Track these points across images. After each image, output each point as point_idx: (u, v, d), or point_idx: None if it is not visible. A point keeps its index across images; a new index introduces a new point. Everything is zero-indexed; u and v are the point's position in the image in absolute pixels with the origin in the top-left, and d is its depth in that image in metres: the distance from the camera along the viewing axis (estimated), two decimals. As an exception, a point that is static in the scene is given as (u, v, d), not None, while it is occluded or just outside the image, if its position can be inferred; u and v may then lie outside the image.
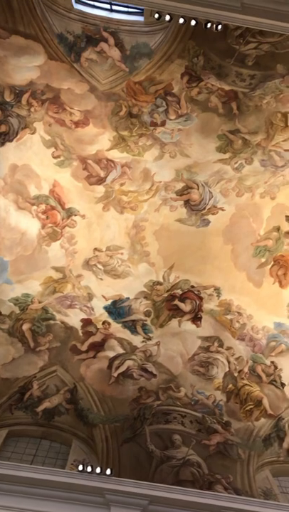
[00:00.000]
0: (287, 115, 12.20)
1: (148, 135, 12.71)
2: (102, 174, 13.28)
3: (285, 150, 12.84)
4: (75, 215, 13.80)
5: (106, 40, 11.51)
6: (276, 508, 10.02)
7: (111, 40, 11.51)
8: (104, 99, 12.45)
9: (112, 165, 13.11)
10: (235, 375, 13.11)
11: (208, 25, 9.71)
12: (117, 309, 13.34)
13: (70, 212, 13.76)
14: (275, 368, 13.47)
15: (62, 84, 12.05)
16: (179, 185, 13.81)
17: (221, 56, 11.41)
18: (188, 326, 13.73)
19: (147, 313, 13.51)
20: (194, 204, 14.01)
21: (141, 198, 13.67)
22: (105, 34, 11.42)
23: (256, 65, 11.40)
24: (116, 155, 13.05)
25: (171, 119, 12.51)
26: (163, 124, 12.59)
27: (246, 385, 12.96)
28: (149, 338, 13.20)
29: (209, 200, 13.97)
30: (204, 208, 14.09)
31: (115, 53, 11.69)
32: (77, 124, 12.65)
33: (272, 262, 14.48)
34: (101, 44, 11.51)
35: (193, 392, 12.61)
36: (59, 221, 13.67)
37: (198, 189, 13.76)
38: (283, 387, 13.25)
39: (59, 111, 12.44)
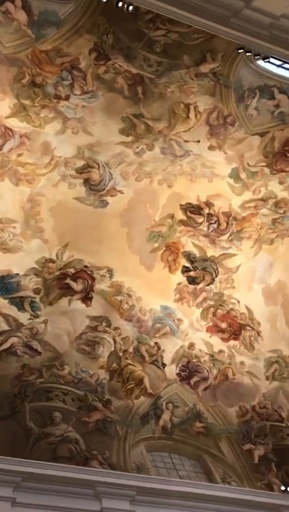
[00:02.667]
0: (190, 107, 12.57)
1: (51, 107, 12.29)
2: (-1, 142, 12.63)
3: (185, 141, 13.26)
4: None
5: (12, 1, 10.84)
6: (147, 481, 10.59)
7: (18, 2, 10.86)
8: (7, 64, 11.74)
9: (11, 133, 12.48)
10: (120, 354, 13.45)
11: (120, 4, 9.62)
12: (4, 285, 12.88)
13: None
14: (158, 348, 14.08)
15: None
16: (80, 163, 13.60)
17: (131, 38, 11.38)
18: (78, 305, 13.72)
19: (37, 291, 13.24)
20: (94, 184, 13.91)
21: (39, 172, 13.24)
22: (12, -6, 10.76)
23: (164, 52, 11.56)
24: (15, 124, 12.45)
25: (75, 94, 12.21)
26: (67, 98, 12.25)
27: (129, 364, 13.37)
28: (37, 316, 12.97)
29: (109, 181, 13.97)
30: (103, 189, 14.05)
31: (22, 16, 11.05)
32: (-26, 85, 11.85)
33: (164, 248, 14.99)
34: (7, 4, 10.81)
35: (78, 371, 12.71)
36: None
37: (98, 169, 13.67)
38: (164, 368, 13.93)
39: None
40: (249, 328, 15.34)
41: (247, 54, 10.63)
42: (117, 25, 11.19)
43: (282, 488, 11.94)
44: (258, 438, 13.36)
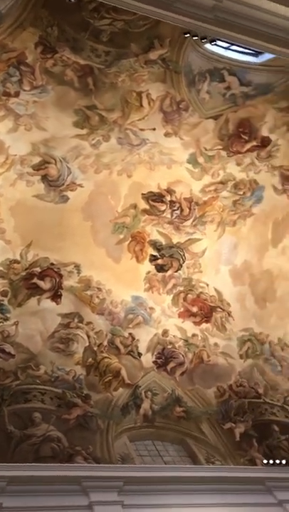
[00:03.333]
0: (142, 95, 12.51)
1: (0, 105, 12.01)
2: None
3: (141, 129, 13.21)
4: None
5: None
6: (132, 470, 10.68)
7: None
8: None
9: None
10: (95, 348, 13.44)
11: (61, -6, 9.44)
12: None
13: None
14: (133, 339, 14.15)
15: None
16: (36, 160, 13.39)
17: (76, 29, 11.18)
18: (47, 303, 13.59)
19: (4, 293, 13.03)
20: (52, 180, 13.73)
21: (-6, 172, 12.98)
22: None
23: (111, 41, 11.41)
24: None
25: (25, 90, 11.95)
26: (17, 94, 11.97)
27: (105, 357, 13.39)
28: (7, 319, 12.77)
29: (67, 176, 13.82)
30: (63, 184, 13.90)
31: None
32: None
33: (129, 239, 15.01)
34: None
35: (53, 369, 12.62)
36: None
37: (55, 164, 13.49)
38: (140, 357, 14.02)
39: None
40: (220, 309, 15.59)
41: (194, 38, 10.62)
42: (61, 17, 10.98)
43: (265, 461, 12.25)
44: (238, 416, 13.63)
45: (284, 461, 12.30)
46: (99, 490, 9.86)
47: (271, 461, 12.26)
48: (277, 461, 12.26)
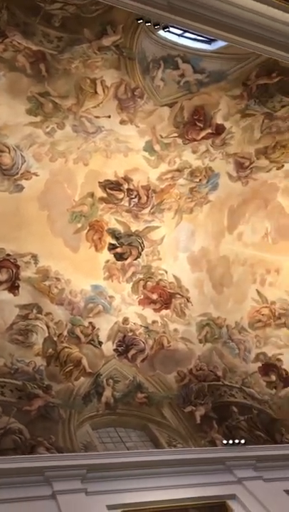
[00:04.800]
0: (96, 81, 12.35)
1: None
2: None
3: (96, 117, 13.06)
4: None
5: None
6: (95, 458, 10.78)
7: None
8: None
9: None
10: (55, 339, 13.36)
11: (10, -23, 9.13)
12: None
13: None
14: (93, 328, 14.15)
15: None
16: (-12, 149, 13.01)
17: (26, 13, 10.83)
18: (4, 295, 13.32)
19: None
20: (6, 169, 13.37)
21: None
22: None
23: (63, 27, 11.14)
24: None
25: (-25, 76, 11.57)
26: None
27: (66, 347, 13.34)
28: None
29: (22, 164, 13.48)
30: (17, 173, 13.55)
31: None
32: None
33: (87, 227, 14.89)
34: None
35: (13, 361, 12.44)
36: None
37: (9, 153, 13.13)
38: (101, 345, 14.06)
39: None
40: (179, 296, 15.82)
41: (147, 24, 10.54)
42: (11, 0, 10.62)
43: (225, 442, 12.62)
44: (198, 399, 13.97)
45: (243, 441, 12.74)
46: (62, 479, 9.90)
47: (231, 442, 12.66)
48: (237, 441, 12.68)
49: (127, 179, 14.69)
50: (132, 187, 14.79)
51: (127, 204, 14.98)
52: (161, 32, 11.33)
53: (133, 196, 14.90)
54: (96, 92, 12.51)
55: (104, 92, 12.58)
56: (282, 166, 15.56)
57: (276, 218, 16.94)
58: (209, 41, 12.19)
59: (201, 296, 16.16)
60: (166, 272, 15.95)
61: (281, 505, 10.78)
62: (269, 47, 10.34)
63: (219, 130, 14.00)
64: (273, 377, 15.19)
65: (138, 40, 11.69)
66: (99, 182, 14.62)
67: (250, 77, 12.71)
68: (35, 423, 11.48)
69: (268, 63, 12.17)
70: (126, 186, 14.73)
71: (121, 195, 14.77)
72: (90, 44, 11.58)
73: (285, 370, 15.16)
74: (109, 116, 13.11)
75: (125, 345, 14.48)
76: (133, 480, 10.80)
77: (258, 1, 9.15)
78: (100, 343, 14.09)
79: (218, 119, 13.74)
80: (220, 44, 11.91)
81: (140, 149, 14.21)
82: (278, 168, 15.64)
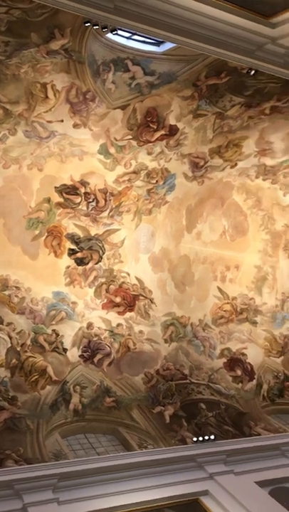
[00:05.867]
0: (47, 86, 12.21)
1: None
2: None
3: (48, 121, 12.90)
4: None
5: None
6: (65, 466, 10.62)
7: None
8: None
9: None
10: (18, 349, 13.11)
11: None
12: None
13: None
14: (57, 335, 13.97)
15: None
16: None
17: None
18: None
19: None
20: None
21: None
22: None
23: (9, 31, 10.91)
24: None
25: None
26: None
27: (30, 357, 13.12)
28: None
29: (-26, 172, 13.22)
30: None
31: None
32: None
33: (45, 234, 14.69)
34: None
35: (-25, 375, 12.16)
36: None
37: None
38: (66, 352, 13.89)
39: None
40: (142, 297, 15.86)
41: (94, 27, 10.49)
42: None
43: (194, 439, 12.72)
44: (166, 399, 14.04)
45: (212, 437, 12.88)
46: (32, 491, 9.73)
47: (201, 438, 12.77)
48: (206, 438, 12.81)
49: (83, 183, 14.59)
50: (88, 191, 14.70)
51: (85, 208, 14.88)
52: (109, 35, 11.29)
53: (91, 200, 14.82)
54: (47, 97, 12.37)
55: (55, 96, 12.45)
56: (236, 164, 15.92)
57: (233, 216, 17.33)
58: (158, 43, 12.30)
59: (164, 296, 16.26)
60: (129, 275, 15.95)
61: (252, 496, 10.96)
62: (216, 47, 10.52)
63: (173, 131, 14.12)
64: (239, 372, 15.49)
65: (87, 43, 11.63)
66: (55, 187, 14.46)
67: (200, 78, 12.90)
68: (2, 436, 11.24)
69: (216, 64, 12.37)
70: (83, 190, 14.63)
71: (78, 200, 14.66)
72: (38, 48, 11.41)
73: (249, 363, 15.48)
74: (62, 121, 12.98)
75: (91, 350, 14.37)
76: (106, 485, 10.73)
77: (201, 2, 9.26)
78: (65, 350, 13.92)
79: (171, 120, 13.86)
80: (168, 46, 12.02)
81: (95, 152, 14.16)
82: (232, 167, 16.00)
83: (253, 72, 11.82)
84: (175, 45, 11.48)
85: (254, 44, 10.72)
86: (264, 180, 16.86)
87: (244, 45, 10.71)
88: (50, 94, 12.34)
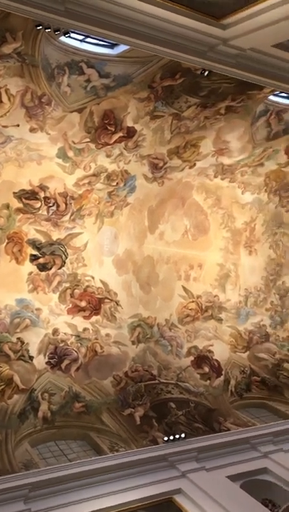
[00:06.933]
0: (0, 90, 12.00)
1: None
2: None
3: (4, 126, 12.67)
4: None
5: None
6: (36, 475, 10.46)
7: None
8: None
9: None
10: (-18, 359, 12.83)
11: None
12: None
13: None
14: (22, 343, 13.74)
15: None
16: None
17: None
18: None
19: None
20: None
21: None
22: None
23: None
24: None
25: None
26: None
27: (-5, 366, 12.84)
28: None
29: None
30: None
31: None
32: None
33: (6, 240, 14.40)
34: None
35: None
36: None
37: None
38: (32, 360, 13.68)
39: None
40: (108, 300, 15.80)
41: (47, 30, 10.42)
42: None
43: (165, 438, 12.77)
44: (136, 400, 14.04)
45: (183, 435, 12.97)
46: (3, 503, 9.53)
47: (172, 437, 12.84)
48: (177, 436, 12.88)
49: (42, 187, 14.41)
50: (48, 195, 14.54)
51: (45, 213, 14.69)
52: (62, 38, 11.24)
53: (51, 204, 14.66)
54: (1, 101, 12.15)
55: (9, 100, 12.25)
56: (194, 164, 16.13)
57: (194, 215, 17.55)
58: (111, 46, 12.30)
59: (129, 298, 16.26)
60: (93, 278, 15.86)
61: (224, 491, 11.12)
62: (168, 49, 10.58)
63: (130, 133, 14.16)
64: (206, 369, 15.68)
65: (40, 46, 11.50)
66: (13, 192, 14.21)
67: (155, 80, 12.98)
68: None
69: (170, 65, 12.49)
70: (42, 195, 14.45)
71: (38, 204, 14.47)
72: (-10, 52, 11.22)
73: (216, 360, 15.70)
74: (18, 125, 12.78)
75: (58, 356, 14.21)
76: (79, 491, 10.65)
77: (153, 4, 9.31)
78: (31, 357, 13.70)
79: (129, 122, 13.90)
80: (122, 48, 12.05)
81: (53, 156, 14.03)
82: (191, 167, 16.20)
83: (206, 72, 12.02)
84: (129, 47, 11.51)
85: (206, 45, 10.87)
86: (222, 179, 17.17)
87: (196, 47, 10.83)
88: (5, 98, 12.13)
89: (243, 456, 12.88)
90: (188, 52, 10.88)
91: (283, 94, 14.71)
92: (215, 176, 17.06)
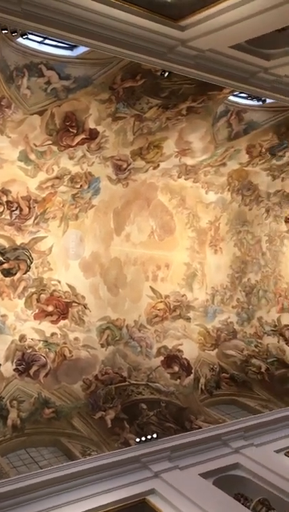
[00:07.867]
0: None
1: None
2: None
3: None
4: None
5: None
6: (6, 485, 10.26)
7: None
8: None
9: None
10: None
11: None
12: None
13: None
14: (-12, 351, 13.46)
15: None
16: None
17: None
18: None
19: None
20: None
21: None
22: None
23: None
24: None
25: None
26: None
27: None
28: None
29: None
30: None
31: None
32: None
33: None
34: None
35: None
36: None
37: None
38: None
39: None
40: (75, 304, 15.66)
41: (3, 32, 10.25)
42: None
43: (137, 440, 12.77)
44: (107, 403, 13.98)
45: (155, 435, 13.00)
46: (-28, 516, 9.29)
47: (144, 438, 12.85)
48: (149, 437, 12.91)
49: (4, 191, 14.14)
50: (11, 199, 14.28)
51: (8, 217, 14.42)
52: (20, 39, 11.08)
53: (14, 208, 14.40)
54: None
55: None
56: (158, 165, 16.22)
57: (159, 216, 17.63)
58: (71, 47, 12.22)
59: (97, 301, 16.17)
60: (60, 282, 15.68)
61: (198, 488, 11.20)
62: (128, 50, 10.64)
63: (93, 135, 14.10)
64: (176, 368, 15.77)
65: (-3, 48, 11.33)
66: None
67: (116, 81, 12.97)
68: None
69: (130, 66, 12.49)
70: (4, 199, 14.18)
71: (0, 209, 14.20)
72: None
73: (185, 359, 15.80)
74: (-23, 129, 12.56)
75: (25, 363, 13.98)
76: (52, 498, 10.53)
77: (110, 5, 9.32)
78: (-2, 365, 13.45)
79: (91, 124, 13.83)
80: (82, 50, 11.98)
81: (15, 160, 13.80)
82: (154, 168, 16.28)
83: (166, 74, 12.11)
84: (88, 48, 11.46)
85: (165, 46, 10.97)
86: (186, 179, 17.33)
87: (155, 48, 10.91)
88: None
89: (215, 452, 13.02)
90: (147, 53, 10.96)
91: (243, 95, 14.97)
92: (179, 177, 17.19)
